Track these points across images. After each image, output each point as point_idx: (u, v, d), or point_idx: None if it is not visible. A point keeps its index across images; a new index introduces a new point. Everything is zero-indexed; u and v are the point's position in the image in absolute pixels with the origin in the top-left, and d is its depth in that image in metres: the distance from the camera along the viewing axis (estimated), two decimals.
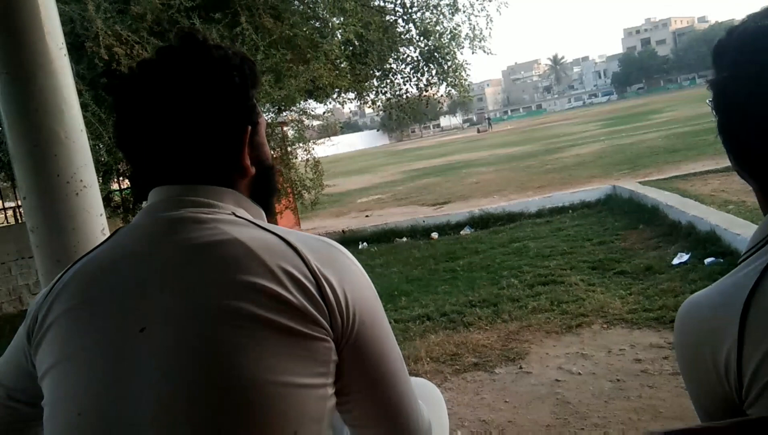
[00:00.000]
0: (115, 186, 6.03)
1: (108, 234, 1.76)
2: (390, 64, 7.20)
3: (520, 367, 3.95)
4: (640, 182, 9.64)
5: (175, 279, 0.76)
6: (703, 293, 0.77)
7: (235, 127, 0.85)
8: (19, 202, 6.39)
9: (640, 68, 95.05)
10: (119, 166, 4.81)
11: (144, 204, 0.86)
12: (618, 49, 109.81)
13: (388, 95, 7.44)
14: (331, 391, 0.78)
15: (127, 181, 5.81)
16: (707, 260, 5.29)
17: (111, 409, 0.72)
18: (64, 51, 1.71)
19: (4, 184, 7.36)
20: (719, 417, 0.73)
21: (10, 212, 8.28)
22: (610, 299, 4.88)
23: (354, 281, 0.81)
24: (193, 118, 0.81)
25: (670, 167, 11.46)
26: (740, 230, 5.35)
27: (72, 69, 1.73)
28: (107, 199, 5.67)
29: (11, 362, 0.89)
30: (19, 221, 7.75)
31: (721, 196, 7.57)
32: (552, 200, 9.75)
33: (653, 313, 4.42)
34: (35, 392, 0.81)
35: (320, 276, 0.77)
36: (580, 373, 3.73)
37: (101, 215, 1.78)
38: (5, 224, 7.97)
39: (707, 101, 0.82)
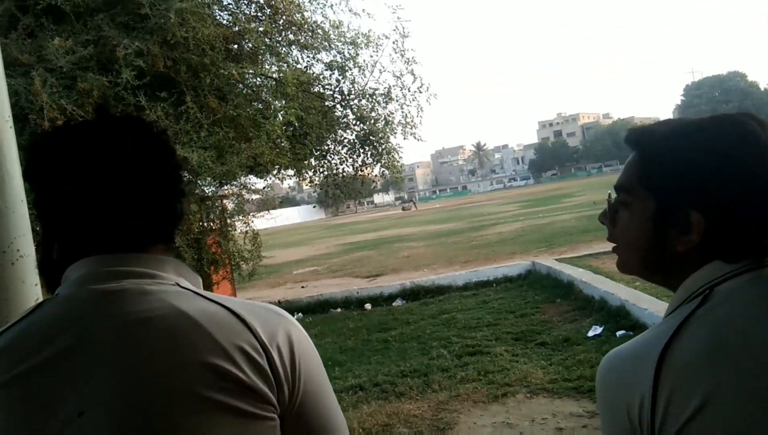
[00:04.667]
0: None
1: None
2: (328, 145, 7.57)
3: None
4: (556, 259, 10.23)
5: (117, 356, 0.71)
6: (624, 347, 0.80)
7: (182, 193, 0.83)
8: None
9: (553, 157, 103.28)
10: None
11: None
12: (534, 138, 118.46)
13: (326, 174, 7.73)
14: None
15: None
16: (619, 333, 5.68)
17: None
18: (10, 123, 1.72)
19: None
20: None
21: None
22: (533, 369, 5.11)
23: (301, 350, 0.80)
24: (148, 183, 0.78)
25: (582, 246, 12.14)
26: (647, 305, 5.75)
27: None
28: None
29: None
30: None
31: None
32: (477, 274, 10.19)
33: (572, 383, 4.67)
34: None
35: (269, 347, 0.75)
36: None
37: (36, 285, 1.69)
38: None
39: (608, 193, 0.90)
